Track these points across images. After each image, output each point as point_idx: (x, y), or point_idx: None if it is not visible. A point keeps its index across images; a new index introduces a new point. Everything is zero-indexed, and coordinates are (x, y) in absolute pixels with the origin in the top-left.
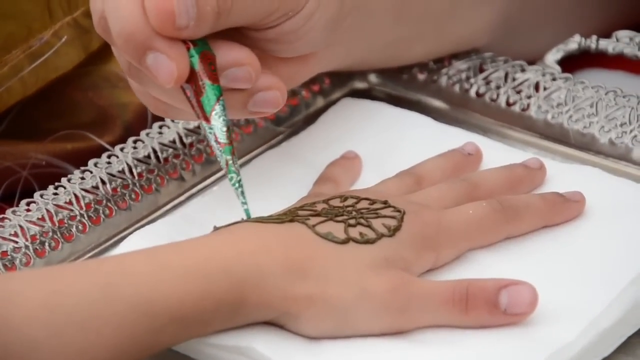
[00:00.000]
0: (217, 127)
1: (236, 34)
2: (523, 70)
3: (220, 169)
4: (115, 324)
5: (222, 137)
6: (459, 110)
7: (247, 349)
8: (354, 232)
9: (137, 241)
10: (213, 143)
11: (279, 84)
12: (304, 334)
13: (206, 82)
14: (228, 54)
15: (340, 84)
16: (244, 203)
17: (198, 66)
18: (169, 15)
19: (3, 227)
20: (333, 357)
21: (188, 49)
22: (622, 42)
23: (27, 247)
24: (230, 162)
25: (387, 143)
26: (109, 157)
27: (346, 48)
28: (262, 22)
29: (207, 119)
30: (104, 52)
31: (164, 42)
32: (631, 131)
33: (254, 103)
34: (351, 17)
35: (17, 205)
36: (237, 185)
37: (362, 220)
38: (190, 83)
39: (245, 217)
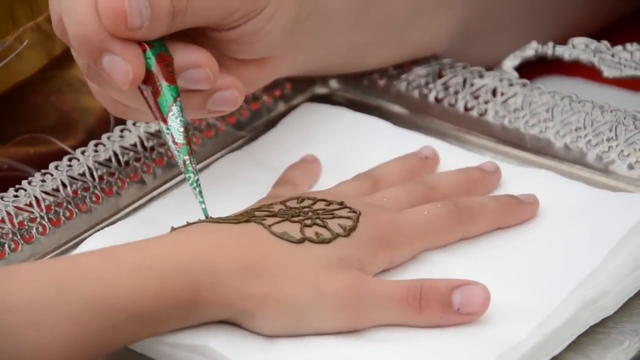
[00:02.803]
0: (174, 128)
1: (198, 35)
2: (481, 76)
3: (181, 172)
4: (70, 322)
5: (180, 138)
6: (418, 115)
7: (203, 347)
8: (310, 232)
9: (96, 243)
10: (170, 144)
11: (237, 83)
12: (259, 333)
13: (163, 84)
14: (186, 55)
15: (301, 89)
16: (202, 202)
17: (155, 68)
18: (121, 17)
19: None
20: (288, 356)
21: (144, 50)
22: (578, 48)
23: None
24: (188, 162)
25: (346, 147)
26: (70, 160)
27: (305, 53)
28: (223, 23)
29: (165, 120)
30: (66, 56)
31: (119, 44)
32: (586, 136)
33: (212, 102)
34: (310, 22)
35: None
36: (194, 185)
37: (318, 221)
38: (148, 84)
39: (203, 217)
